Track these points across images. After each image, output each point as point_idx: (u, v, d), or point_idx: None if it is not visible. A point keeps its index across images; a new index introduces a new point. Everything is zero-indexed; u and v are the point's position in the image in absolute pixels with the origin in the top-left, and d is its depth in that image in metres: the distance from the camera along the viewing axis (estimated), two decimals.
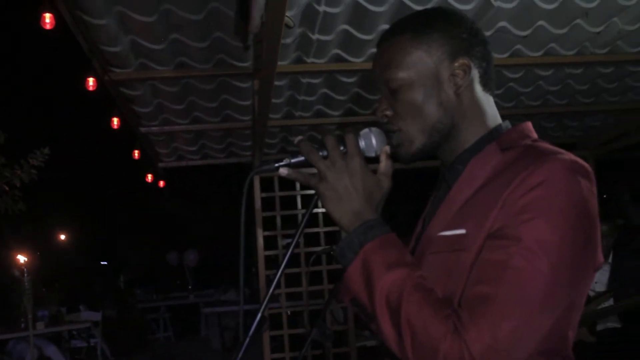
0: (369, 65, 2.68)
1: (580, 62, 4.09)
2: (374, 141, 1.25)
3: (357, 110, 4.76)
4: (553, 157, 1.12)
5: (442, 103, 1.25)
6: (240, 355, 1.16)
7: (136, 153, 5.32)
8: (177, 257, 14.81)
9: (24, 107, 14.04)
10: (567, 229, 1.07)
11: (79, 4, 3.01)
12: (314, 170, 1.21)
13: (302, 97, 4.44)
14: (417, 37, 1.26)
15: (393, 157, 1.28)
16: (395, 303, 1.09)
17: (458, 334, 1.02)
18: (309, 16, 3.18)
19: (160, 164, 6.01)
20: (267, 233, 5.51)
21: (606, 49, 3.88)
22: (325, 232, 5.53)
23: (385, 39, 1.31)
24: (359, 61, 3.73)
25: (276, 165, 1.22)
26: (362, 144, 1.24)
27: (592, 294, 4.17)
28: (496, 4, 3.21)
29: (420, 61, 1.25)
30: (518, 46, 3.73)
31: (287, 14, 2.94)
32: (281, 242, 5.61)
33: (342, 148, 1.21)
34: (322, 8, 3.11)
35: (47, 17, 3.08)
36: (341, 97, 4.46)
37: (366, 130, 1.25)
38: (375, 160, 1.29)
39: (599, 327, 4.18)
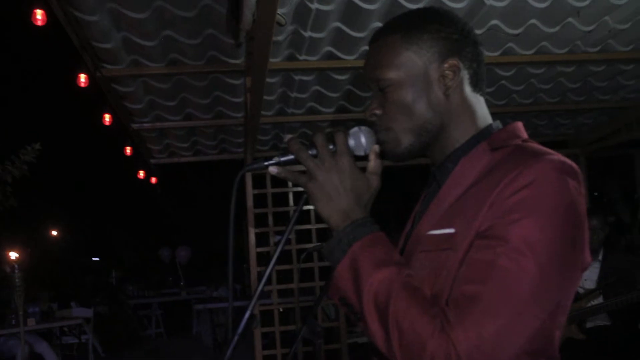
0: (361, 63, 2.69)
1: (572, 61, 4.11)
2: (363, 140, 1.25)
3: (349, 108, 4.76)
4: (542, 158, 1.12)
5: (431, 103, 1.25)
6: (229, 353, 1.17)
7: (128, 149, 5.32)
8: (169, 254, 14.82)
9: (15, 103, 13.98)
10: (555, 229, 1.07)
11: (70, 0, 3.01)
12: (304, 168, 1.21)
13: (294, 94, 4.44)
14: (407, 37, 1.26)
15: (382, 155, 1.29)
16: (383, 301, 1.10)
17: (445, 333, 1.03)
18: (301, 13, 3.18)
19: (152, 161, 6.00)
20: (258, 230, 5.51)
21: (597, 47, 3.90)
22: (317, 229, 5.53)
23: (376, 38, 1.32)
24: (351, 59, 3.73)
25: (265, 163, 1.22)
26: (351, 142, 1.25)
27: (581, 291, 4.19)
28: (488, 2, 3.22)
29: (410, 61, 1.25)
30: (510, 44, 3.74)
31: (279, 11, 2.94)
32: (273, 239, 5.61)
33: (331, 147, 1.21)
34: (314, 5, 3.11)
35: (39, 14, 3.07)
36: (333, 95, 4.47)
37: (355, 128, 1.26)
38: (365, 158, 1.29)
39: (589, 325, 4.20)
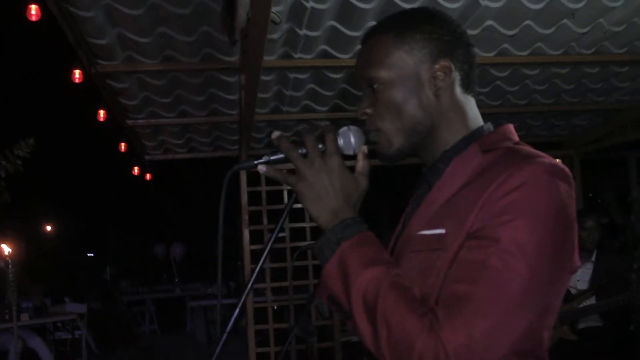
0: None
1: (567, 62, 4.13)
2: (352, 139, 1.26)
3: (344, 106, 4.77)
4: (533, 161, 1.13)
5: (422, 104, 1.26)
6: (218, 350, 1.17)
7: (122, 145, 5.30)
8: (163, 250, 14.78)
9: (8, 98, 13.93)
10: (546, 232, 1.08)
11: None
12: (294, 167, 1.22)
13: (289, 92, 4.44)
14: (399, 37, 1.26)
15: (373, 154, 1.29)
16: (372, 300, 1.10)
17: (434, 332, 1.03)
18: (296, 12, 3.18)
19: (147, 157, 6.00)
20: (253, 227, 5.52)
21: (592, 49, 3.91)
22: (311, 227, 5.53)
23: (368, 37, 1.32)
24: (346, 57, 3.74)
25: (256, 162, 1.22)
26: (340, 141, 1.25)
27: (574, 292, 4.20)
28: (483, 3, 3.23)
29: (402, 61, 1.26)
30: (505, 45, 3.75)
31: (274, 9, 2.94)
32: (267, 237, 5.62)
33: (321, 146, 1.21)
34: (309, 4, 3.11)
35: (33, 9, 3.06)
36: (328, 93, 4.47)
37: (345, 128, 1.26)
38: (353, 157, 1.30)
39: (581, 326, 4.21)
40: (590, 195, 10.55)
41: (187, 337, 11.64)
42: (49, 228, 16.67)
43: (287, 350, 2.35)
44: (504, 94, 4.72)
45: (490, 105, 4.85)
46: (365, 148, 1.26)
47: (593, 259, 4.36)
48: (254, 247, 5.43)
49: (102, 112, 4.36)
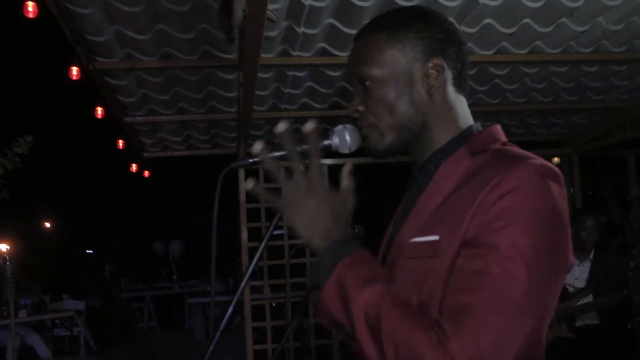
0: None
1: (565, 61, 4.12)
2: (347, 138, 1.25)
3: (342, 104, 4.76)
4: (523, 162, 1.13)
5: (414, 102, 1.26)
6: (211, 347, 1.17)
7: (121, 143, 5.30)
8: (162, 248, 14.79)
9: (7, 96, 13.92)
10: (541, 234, 1.08)
11: None
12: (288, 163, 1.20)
13: (287, 90, 4.44)
14: (392, 35, 1.26)
15: (363, 152, 1.29)
16: (375, 319, 1.08)
17: (442, 345, 1.02)
18: (294, 10, 3.18)
19: (145, 154, 6.00)
20: (251, 225, 5.52)
21: (591, 47, 3.91)
22: None
23: (361, 35, 1.32)
24: (344, 55, 3.73)
25: (251, 160, 1.22)
26: (335, 140, 1.25)
27: (571, 290, 4.21)
28: (482, 1, 3.23)
29: (394, 59, 1.25)
30: (504, 43, 3.74)
31: (273, 7, 2.94)
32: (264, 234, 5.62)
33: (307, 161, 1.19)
34: (307, 2, 3.11)
35: (30, 6, 3.05)
36: (326, 90, 4.47)
37: (340, 127, 1.26)
38: (349, 156, 1.29)
39: (578, 324, 4.21)
40: (589, 193, 10.55)
41: (185, 334, 11.67)
42: (47, 225, 16.67)
43: (284, 348, 2.35)
44: (502, 92, 4.72)
45: (489, 103, 4.84)
46: (348, 167, 1.22)
47: (591, 257, 4.36)
48: (252, 244, 5.43)
49: (100, 110, 4.36)
